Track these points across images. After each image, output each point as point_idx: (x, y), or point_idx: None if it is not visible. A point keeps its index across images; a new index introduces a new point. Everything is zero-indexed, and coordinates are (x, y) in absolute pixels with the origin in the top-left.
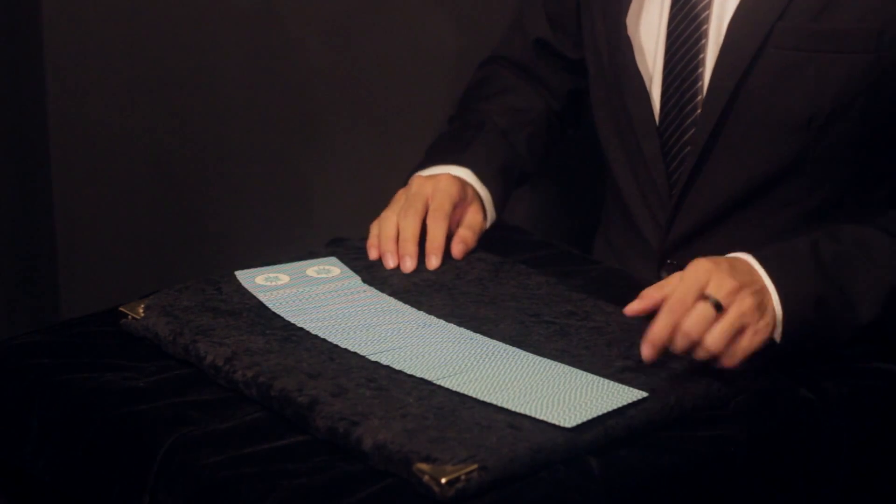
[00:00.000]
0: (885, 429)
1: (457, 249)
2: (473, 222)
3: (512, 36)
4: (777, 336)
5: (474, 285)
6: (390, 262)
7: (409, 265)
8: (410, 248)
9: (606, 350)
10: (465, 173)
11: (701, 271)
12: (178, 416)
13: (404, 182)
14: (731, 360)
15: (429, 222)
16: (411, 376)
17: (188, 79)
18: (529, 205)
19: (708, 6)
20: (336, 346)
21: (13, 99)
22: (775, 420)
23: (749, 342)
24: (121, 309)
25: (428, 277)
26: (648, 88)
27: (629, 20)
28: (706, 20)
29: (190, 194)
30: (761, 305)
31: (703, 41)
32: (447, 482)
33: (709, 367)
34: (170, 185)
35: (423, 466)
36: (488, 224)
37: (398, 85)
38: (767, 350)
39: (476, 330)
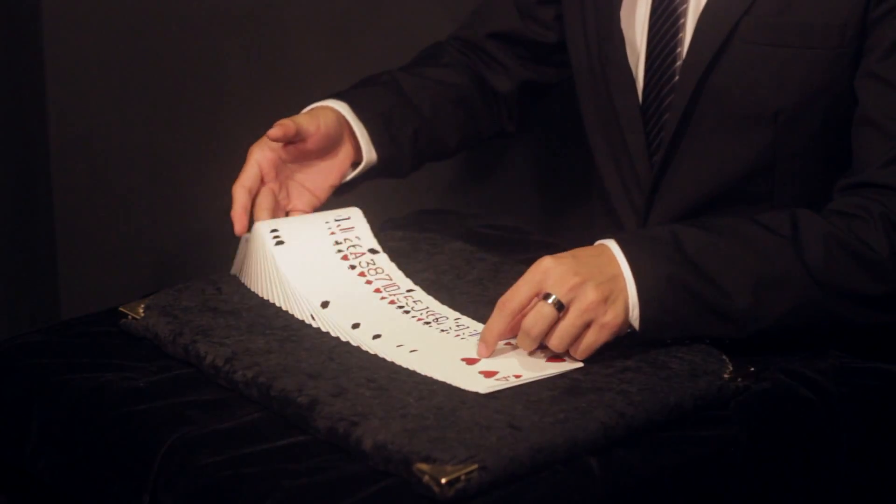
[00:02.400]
0: (885, 429)
1: (272, 131)
2: (305, 121)
3: (473, 20)
4: (635, 322)
5: (474, 285)
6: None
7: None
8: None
9: (606, 350)
10: (339, 105)
11: (538, 270)
12: (178, 416)
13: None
14: (580, 355)
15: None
16: (411, 376)
17: (188, 79)
18: (529, 205)
19: (684, 1)
20: (336, 346)
21: (13, 99)
22: (775, 420)
23: (596, 336)
24: (121, 309)
25: (428, 277)
26: (635, 81)
27: (622, 13)
28: (683, 14)
29: (190, 194)
30: (609, 298)
31: (681, 35)
32: (447, 482)
33: (708, 367)
34: (170, 186)
35: (423, 466)
36: (364, 165)
37: None
38: (627, 337)
39: (476, 330)
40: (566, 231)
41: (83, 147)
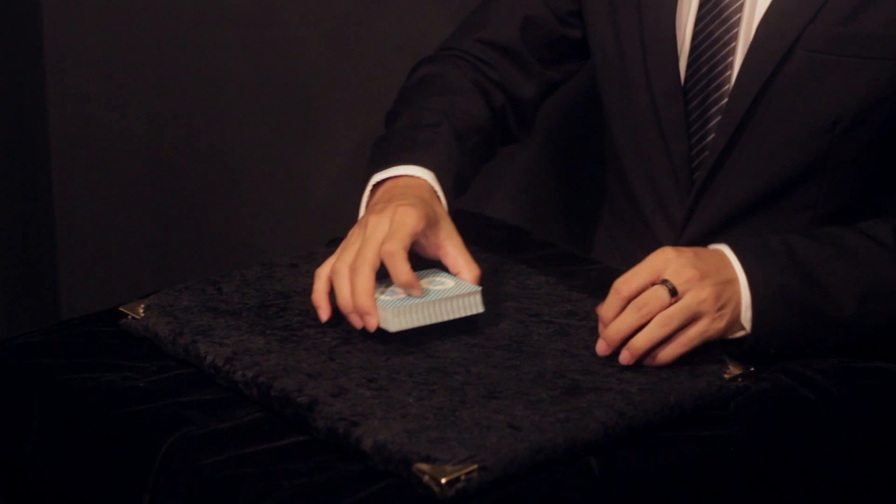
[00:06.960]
0: (885, 429)
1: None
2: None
3: (489, 20)
4: (747, 323)
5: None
6: (357, 323)
7: (371, 322)
8: (367, 302)
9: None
10: (428, 176)
11: (659, 258)
12: (178, 416)
13: (362, 183)
14: (679, 347)
15: (388, 266)
16: (411, 376)
17: (188, 79)
18: (529, 205)
19: (739, 9)
20: (336, 346)
21: (13, 99)
22: (775, 420)
23: (702, 329)
24: (121, 309)
25: None
26: (682, 87)
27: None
28: (737, 23)
29: (190, 194)
30: (721, 296)
31: (734, 44)
32: (447, 482)
33: (708, 367)
34: (169, 185)
35: (423, 466)
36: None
37: (398, 85)
38: (739, 343)
39: (476, 330)
40: (567, 231)
41: (83, 147)
